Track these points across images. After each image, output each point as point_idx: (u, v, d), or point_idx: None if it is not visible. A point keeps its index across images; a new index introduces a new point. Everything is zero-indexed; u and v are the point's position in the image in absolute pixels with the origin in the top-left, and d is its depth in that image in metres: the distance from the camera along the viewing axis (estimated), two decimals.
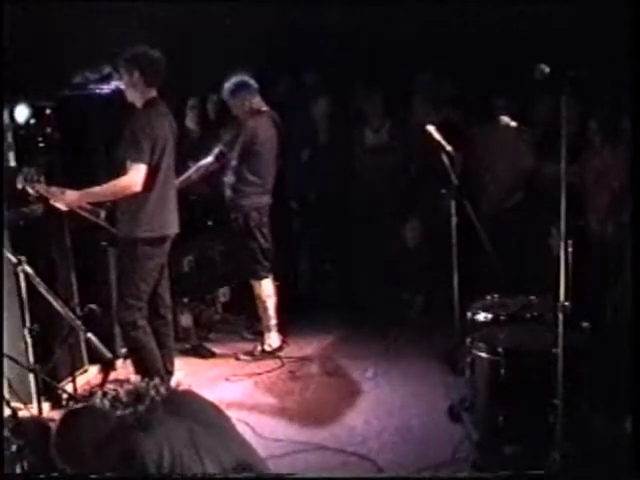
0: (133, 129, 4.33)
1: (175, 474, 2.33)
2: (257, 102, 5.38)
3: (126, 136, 4.35)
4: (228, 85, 5.35)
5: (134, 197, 4.34)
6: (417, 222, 6.14)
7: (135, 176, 4.28)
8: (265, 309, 5.56)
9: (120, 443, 2.37)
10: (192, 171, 5.41)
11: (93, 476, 2.57)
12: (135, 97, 4.43)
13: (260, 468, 2.61)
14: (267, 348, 5.58)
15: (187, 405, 2.63)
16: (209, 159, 5.45)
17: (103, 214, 4.53)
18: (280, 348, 5.62)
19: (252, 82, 5.36)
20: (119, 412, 2.47)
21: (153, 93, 4.45)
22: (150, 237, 4.47)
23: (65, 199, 4.36)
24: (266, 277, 5.53)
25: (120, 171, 4.34)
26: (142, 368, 4.45)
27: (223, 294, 6.28)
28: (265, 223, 5.50)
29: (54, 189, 4.35)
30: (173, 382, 4.65)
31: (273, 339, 5.60)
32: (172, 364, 4.85)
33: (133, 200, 4.36)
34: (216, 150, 5.45)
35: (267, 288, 5.53)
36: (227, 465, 2.45)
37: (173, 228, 4.62)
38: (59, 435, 2.56)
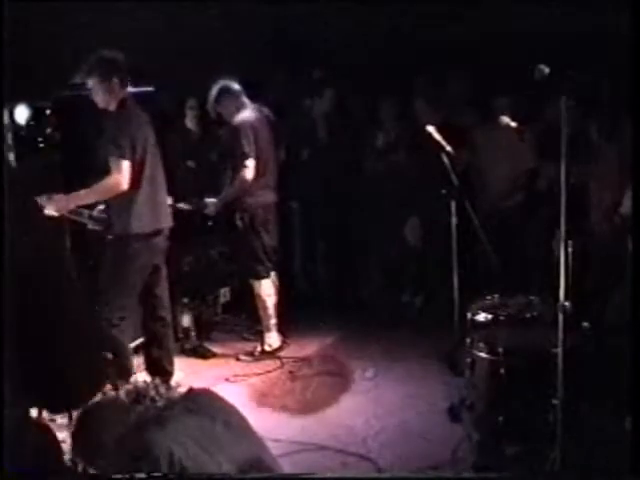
0: (111, 130, 4.33)
1: (185, 472, 2.34)
2: (242, 102, 5.40)
3: (105, 138, 4.35)
4: (211, 94, 5.41)
5: (123, 195, 4.34)
6: (417, 222, 6.14)
7: (119, 175, 4.29)
8: (265, 308, 5.56)
9: (137, 438, 2.39)
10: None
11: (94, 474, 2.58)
12: (110, 102, 4.41)
13: (273, 467, 2.64)
14: (267, 348, 5.58)
15: (206, 404, 2.65)
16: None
17: (87, 213, 4.52)
18: (280, 348, 5.63)
19: (233, 85, 5.40)
20: (139, 407, 2.49)
21: (125, 93, 4.44)
22: (142, 233, 4.46)
23: (54, 205, 4.35)
24: (267, 277, 5.53)
25: (105, 173, 4.33)
26: (118, 368, 4.38)
27: (223, 294, 6.28)
28: (270, 221, 5.51)
29: (41, 197, 4.34)
30: (173, 383, 4.64)
31: (273, 339, 5.60)
32: (172, 364, 4.84)
33: (123, 198, 4.36)
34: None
35: (267, 287, 5.53)
36: (242, 463, 2.47)
37: (165, 221, 4.62)
38: (80, 426, 2.57)
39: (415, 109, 6.09)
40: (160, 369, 4.68)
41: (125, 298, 4.53)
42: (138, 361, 4.94)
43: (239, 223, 5.43)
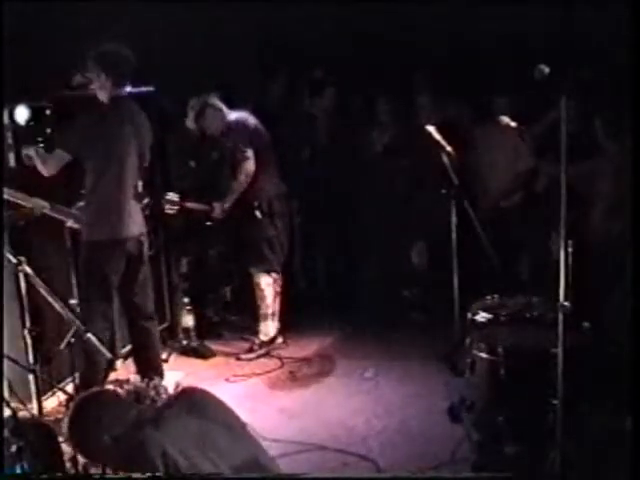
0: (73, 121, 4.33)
1: (179, 472, 2.35)
2: (225, 115, 5.44)
3: None
4: (190, 115, 5.45)
5: (87, 199, 4.31)
6: (424, 246, 6.14)
7: (45, 163, 4.30)
8: (263, 298, 5.57)
9: (134, 437, 2.40)
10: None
11: (95, 475, 2.59)
12: (104, 97, 4.41)
13: (270, 468, 2.66)
14: (263, 338, 5.59)
15: (204, 405, 2.67)
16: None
17: (67, 210, 4.47)
18: (275, 338, 5.64)
19: (214, 100, 5.42)
20: (138, 407, 2.50)
21: (119, 92, 4.39)
22: (93, 240, 4.33)
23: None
24: (277, 271, 5.55)
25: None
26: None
27: (223, 294, 6.28)
28: (285, 213, 5.57)
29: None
30: (171, 383, 4.62)
31: (269, 328, 5.61)
32: (159, 365, 4.76)
33: (85, 202, 4.33)
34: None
35: (268, 278, 5.55)
36: (239, 464, 2.48)
37: (124, 232, 4.39)
38: (77, 417, 2.56)
39: (415, 109, 6.09)
40: (150, 371, 4.59)
41: (93, 308, 4.33)
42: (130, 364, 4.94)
43: (257, 213, 5.43)
